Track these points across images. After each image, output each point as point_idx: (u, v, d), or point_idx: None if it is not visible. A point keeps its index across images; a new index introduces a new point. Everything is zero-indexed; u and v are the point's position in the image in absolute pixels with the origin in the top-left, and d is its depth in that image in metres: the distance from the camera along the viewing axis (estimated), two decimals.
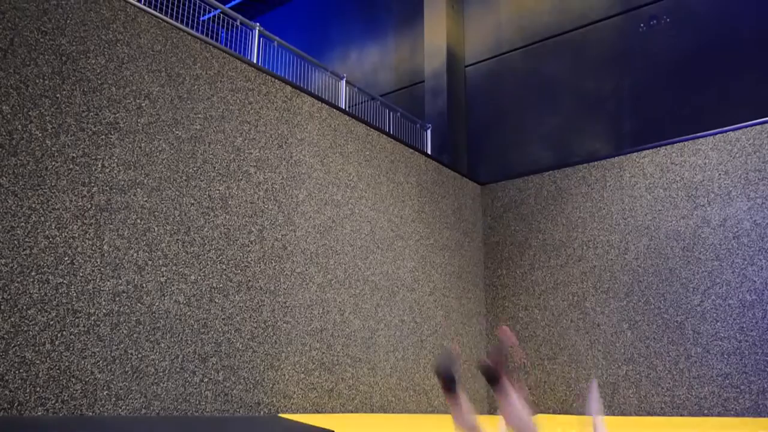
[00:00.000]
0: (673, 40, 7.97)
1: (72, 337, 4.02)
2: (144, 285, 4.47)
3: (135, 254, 4.45)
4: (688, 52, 7.79)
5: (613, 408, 6.72)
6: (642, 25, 8.31)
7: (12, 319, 3.77)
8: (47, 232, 4.01)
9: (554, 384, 7.14)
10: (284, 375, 5.31)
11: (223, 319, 4.94)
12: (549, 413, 7.07)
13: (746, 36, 7.40)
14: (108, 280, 4.26)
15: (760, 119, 6.49)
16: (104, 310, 4.21)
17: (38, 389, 3.82)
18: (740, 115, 6.82)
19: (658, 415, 6.43)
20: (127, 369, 4.27)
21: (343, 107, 7.35)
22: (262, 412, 5.08)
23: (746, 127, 6.53)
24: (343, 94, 7.71)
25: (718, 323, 6.26)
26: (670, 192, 6.83)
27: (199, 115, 5.08)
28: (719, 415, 6.09)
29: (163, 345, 4.51)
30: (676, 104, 7.73)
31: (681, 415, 6.29)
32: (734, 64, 7.40)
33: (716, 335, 6.25)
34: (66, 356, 3.97)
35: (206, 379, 4.74)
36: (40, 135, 4.07)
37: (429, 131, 8.97)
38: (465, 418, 2.95)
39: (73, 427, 2.89)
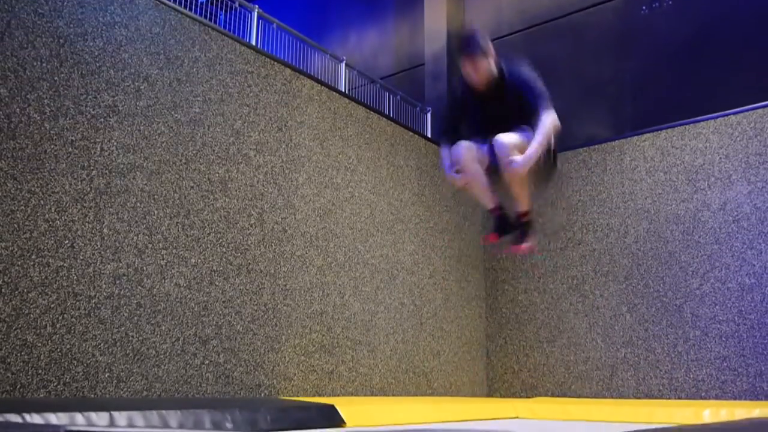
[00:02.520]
0: (675, 23, 7.92)
1: (73, 320, 4.04)
2: (144, 268, 4.48)
3: (135, 237, 4.46)
4: (690, 35, 7.74)
5: (611, 390, 6.76)
6: (644, 7, 8.25)
7: (13, 302, 3.78)
8: (47, 215, 4.01)
9: (553, 366, 7.18)
10: (284, 357, 5.34)
11: (223, 301, 4.96)
12: (548, 395, 7.12)
13: (749, 19, 7.35)
14: (108, 264, 4.27)
15: (761, 103, 6.47)
16: (105, 293, 4.22)
17: (40, 371, 3.84)
18: (742, 98, 6.78)
19: (656, 397, 6.47)
20: (128, 351, 4.30)
21: (343, 90, 7.32)
22: (262, 394, 5.11)
23: (748, 110, 6.50)
24: (342, 77, 7.68)
25: (717, 306, 6.28)
26: (671, 176, 6.82)
27: (198, 98, 5.06)
28: (716, 397, 6.14)
29: (163, 328, 4.53)
30: (677, 87, 7.70)
31: (679, 398, 6.33)
32: (736, 47, 7.36)
33: (715, 318, 6.28)
34: (67, 339, 3.99)
35: (207, 362, 4.77)
36: (39, 118, 4.06)
37: (429, 114, 8.94)
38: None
39: (75, 408, 2.92)
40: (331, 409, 4.14)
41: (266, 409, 3.72)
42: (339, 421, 4.08)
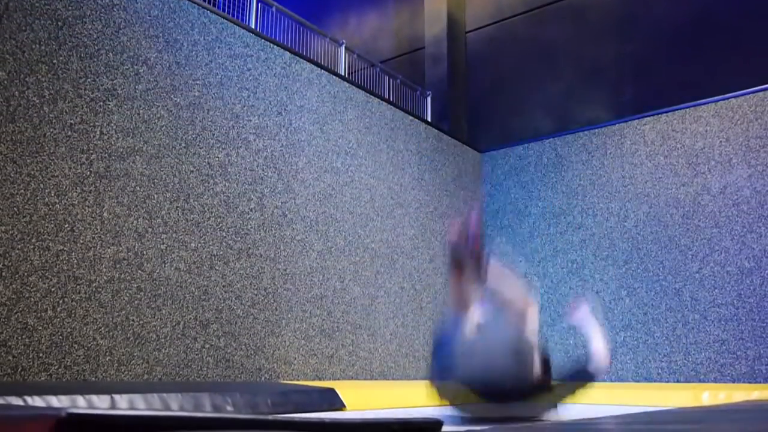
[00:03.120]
0: (675, 6, 7.87)
1: (74, 303, 4.04)
2: (144, 252, 4.48)
3: (135, 221, 4.45)
4: (691, 18, 7.69)
5: (610, 373, 6.79)
6: None
7: (13, 285, 3.79)
8: (47, 199, 4.00)
9: (552, 351, 7.20)
10: (285, 341, 5.36)
11: (223, 286, 4.96)
12: None
13: (749, 2, 7.31)
14: (108, 247, 4.27)
15: (762, 86, 6.44)
16: (105, 277, 4.23)
17: (41, 355, 3.86)
18: (743, 81, 6.76)
19: (655, 380, 6.50)
20: (128, 335, 4.31)
21: (343, 74, 7.29)
22: (263, 378, 5.14)
23: (748, 93, 6.48)
24: (342, 60, 7.63)
25: (716, 290, 6.29)
26: (671, 159, 6.81)
27: (198, 82, 5.04)
28: (715, 381, 6.17)
29: (164, 312, 4.54)
30: (678, 70, 7.66)
31: (677, 381, 6.36)
32: (737, 29, 7.32)
33: (714, 302, 6.29)
34: (68, 322, 4.00)
35: (207, 346, 4.78)
36: (38, 101, 4.04)
37: (429, 98, 8.90)
38: (465, 291, 3.16)
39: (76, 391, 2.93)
40: (332, 392, 4.16)
41: (267, 392, 3.74)
42: (339, 405, 4.10)
